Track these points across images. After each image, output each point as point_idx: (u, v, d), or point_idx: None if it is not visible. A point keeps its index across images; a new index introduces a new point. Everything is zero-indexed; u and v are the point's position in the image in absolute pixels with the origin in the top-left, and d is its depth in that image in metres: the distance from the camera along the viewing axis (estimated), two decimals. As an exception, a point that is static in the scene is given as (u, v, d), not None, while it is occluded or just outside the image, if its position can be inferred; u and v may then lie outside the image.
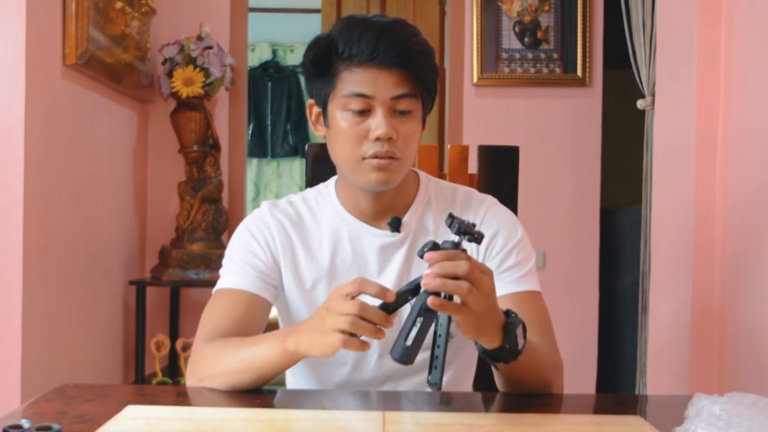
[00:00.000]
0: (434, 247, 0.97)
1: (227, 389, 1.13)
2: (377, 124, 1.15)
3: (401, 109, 1.17)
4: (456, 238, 0.97)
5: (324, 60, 1.18)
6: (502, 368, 1.10)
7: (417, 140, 1.22)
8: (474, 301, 0.95)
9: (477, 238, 0.97)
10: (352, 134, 1.17)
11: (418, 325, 0.96)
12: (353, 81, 1.15)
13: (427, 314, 0.96)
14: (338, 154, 1.22)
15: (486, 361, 1.07)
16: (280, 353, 1.08)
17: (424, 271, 0.95)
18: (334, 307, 0.99)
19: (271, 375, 1.12)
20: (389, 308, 0.99)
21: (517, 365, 1.08)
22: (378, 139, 1.15)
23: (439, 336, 0.97)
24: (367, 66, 1.14)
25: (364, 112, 1.16)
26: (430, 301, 0.94)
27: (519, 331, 1.04)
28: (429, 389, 1.28)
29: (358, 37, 1.14)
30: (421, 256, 0.97)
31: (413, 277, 1.25)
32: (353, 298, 0.99)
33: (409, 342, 0.95)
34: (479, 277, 0.96)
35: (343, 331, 0.97)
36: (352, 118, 1.17)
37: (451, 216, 0.98)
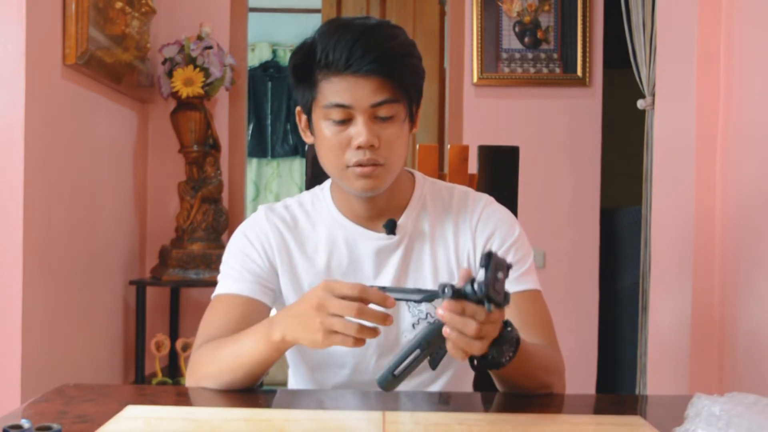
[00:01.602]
0: (455, 294, 0.94)
1: (222, 388, 1.14)
2: (357, 132, 1.15)
3: (382, 116, 1.16)
4: (477, 288, 0.93)
5: (304, 68, 1.17)
6: (495, 372, 1.10)
7: (403, 143, 1.20)
8: (476, 348, 0.96)
9: (498, 302, 0.93)
10: (334, 143, 1.17)
11: (413, 356, 0.96)
12: (332, 91, 1.14)
13: (426, 346, 0.96)
14: (324, 162, 1.22)
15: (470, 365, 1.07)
16: (266, 345, 1.08)
17: (437, 310, 0.94)
18: (326, 306, 0.98)
19: (261, 369, 1.12)
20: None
21: (511, 371, 1.08)
22: (359, 147, 1.15)
23: (418, 350, 0.97)
24: (344, 75, 1.13)
25: (345, 122, 1.16)
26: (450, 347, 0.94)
27: (508, 347, 1.04)
28: (428, 390, 1.28)
29: (334, 44, 1.12)
30: (435, 297, 0.96)
31: (409, 280, 1.25)
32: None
33: (397, 372, 0.96)
34: (486, 331, 0.95)
35: (334, 332, 0.97)
36: (334, 127, 1.16)
37: (487, 257, 0.92)
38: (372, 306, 0.98)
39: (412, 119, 1.23)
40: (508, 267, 0.95)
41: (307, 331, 1.00)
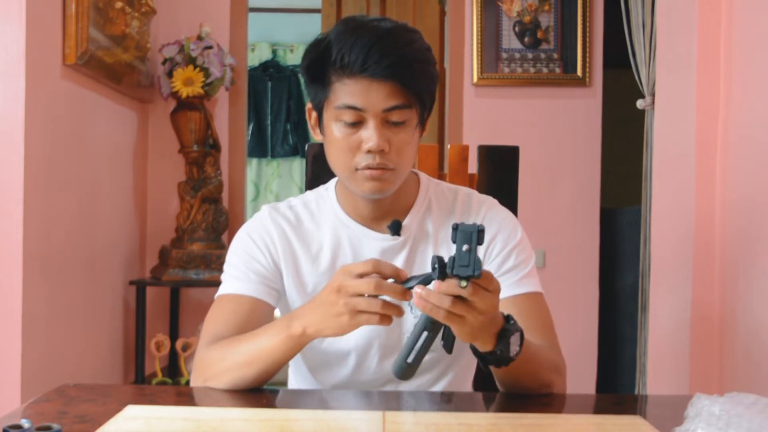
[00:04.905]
0: (439, 264, 0.95)
1: (231, 386, 1.13)
2: (368, 136, 1.14)
3: (394, 120, 1.15)
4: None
5: (318, 67, 1.16)
6: (499, 370, 1.10)
7: (413, 148, 1.20)
8: (475, 323, 0.97)
9: (466, 276, 0.93)
10: (344, 145, 1.17)
11: (422, 340, 0.97)
12: (345, 92, 1.14)
13: (432, 327, 0.97)
14: (333, 162, 1.22)
15: (479, 362, 1.08)
16: (284, 339, 1.09)
17: (415, 290, 0.95)
18: (346, 286, 1.00)
19: (276, 365, 1.12)
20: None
21: (514, 368, 1.08)
22: (370, 151, 1.15)
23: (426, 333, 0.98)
24: (359, 77, 1.12)
25: (357, 124, 1.15)
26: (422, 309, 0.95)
27: (514, 339, 1.04)
28: (429, 390, 1.28)
29: (350, 46, 1.11)
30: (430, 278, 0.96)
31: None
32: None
33: (410, 359, 0.97)
34: (471, 306, 0.95)
35: (359, 311, 0.99)
36: (345, 129, 1.16)
37: (453, 231, 0.94)
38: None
39: (423, 125, 1.23)
40: (480, 232, 0.94)
41: (332, 318, 1.02)
